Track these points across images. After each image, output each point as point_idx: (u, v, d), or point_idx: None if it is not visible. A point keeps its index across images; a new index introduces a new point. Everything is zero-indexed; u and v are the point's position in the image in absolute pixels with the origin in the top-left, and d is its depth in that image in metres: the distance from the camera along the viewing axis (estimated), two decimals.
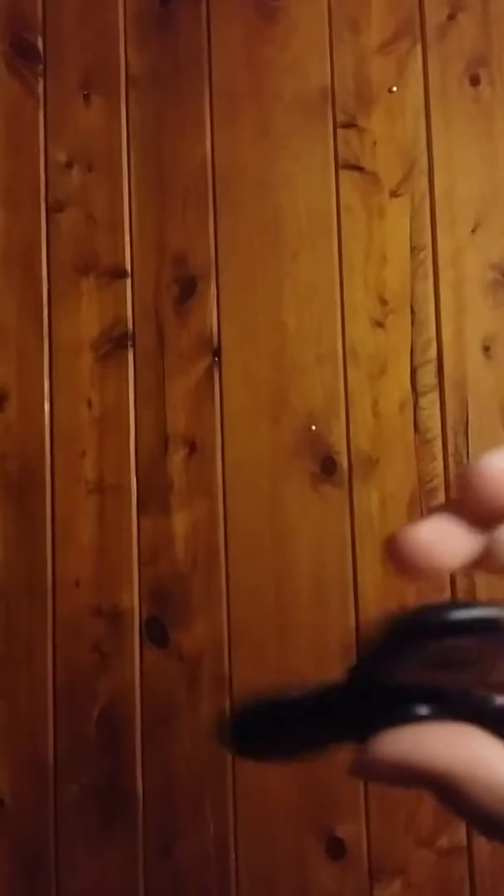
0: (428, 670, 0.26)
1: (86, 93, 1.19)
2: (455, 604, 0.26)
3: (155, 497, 1.11)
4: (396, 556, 0.26)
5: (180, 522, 1.10)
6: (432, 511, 0.27)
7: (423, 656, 0.26)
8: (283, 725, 0.29)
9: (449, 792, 0.25)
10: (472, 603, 0.26)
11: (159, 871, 1.07)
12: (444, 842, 1.03)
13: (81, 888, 1.09)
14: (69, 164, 1.18)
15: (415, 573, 0.26)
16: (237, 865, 1.06)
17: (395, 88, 1.12)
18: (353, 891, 1.03)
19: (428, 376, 1.08)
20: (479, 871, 1.02)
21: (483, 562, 0.27)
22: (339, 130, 1.13)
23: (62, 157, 1.18)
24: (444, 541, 0.26)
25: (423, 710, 0.26)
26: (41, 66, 1.21)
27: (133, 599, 1.10)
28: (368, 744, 0.26)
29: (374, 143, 1.11)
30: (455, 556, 0.26)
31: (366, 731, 0.26)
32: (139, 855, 1.08)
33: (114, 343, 1.14)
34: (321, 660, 1.06)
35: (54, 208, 1.18)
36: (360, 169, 1.11)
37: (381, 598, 1.06)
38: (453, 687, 0.27)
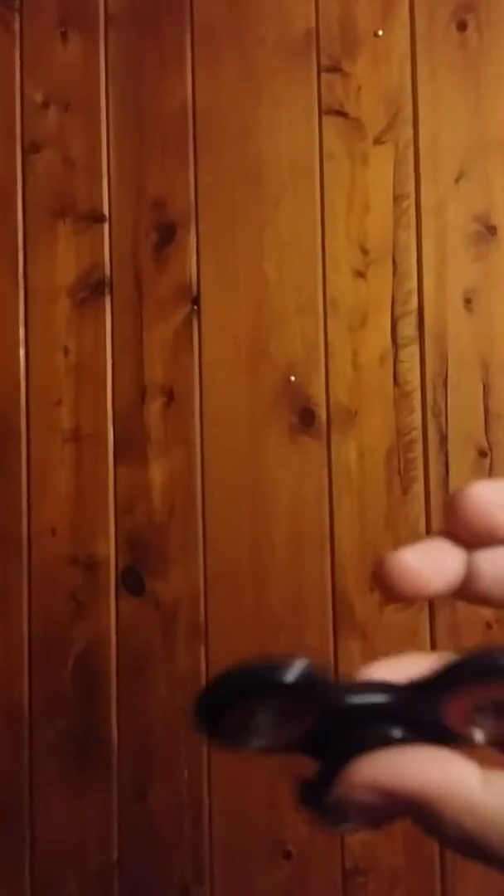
0: (480, 717, 0.26)
1: (63, 30, 1.16)
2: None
3: (132, 446, 1.10)
4: (384, 582, 0.27)
5: (157, 472, 1.10)
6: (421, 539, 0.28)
7: (478, 701, 0.25)
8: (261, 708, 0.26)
9: (426, 814, 0.25)
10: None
11: (133, 817, 1.08)
12: None
13: (56, 833, 1.10)
14: (46, 104, 1.15)
15: (403, 598, 0.27)
16: (211, 811, 1.07)
17: (380, 32, 1.10)
18: (325, 835, 1.05)
19: (408, 328, 1.07)
20: None
21: (463, 589, 0.27)
22: (323, 75, 1.10)
23: (38, 97, 1.15)
24: (431, 565, 0.27)
25: (398, 732, 0.26)
26: (18, 2, 1.17)
27: (109, 548, 1.10)
28: (342, 773, 0.25)
29: (359, 88, 1.09)
30: (441, 580, 0.27)
31: (336, 752, 0.26)
32: (113, 800, 1.09)
33: (91, 289, 1.12)
34: (297, 610, 1.06)
35: (30, 149, 1.15)
36: (343, 115, 1.09)
37: (357, 548, 1.06)
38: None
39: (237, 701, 0.26)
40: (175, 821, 1.07)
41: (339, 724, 0.26)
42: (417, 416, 1.06)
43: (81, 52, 1.15)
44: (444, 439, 1.06)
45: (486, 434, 1.05)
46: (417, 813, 0.25)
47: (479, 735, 0.26)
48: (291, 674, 0.25)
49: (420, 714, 0.26)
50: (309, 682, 0.26)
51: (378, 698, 0.26)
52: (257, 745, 0.27)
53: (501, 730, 0.26)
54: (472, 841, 0.24)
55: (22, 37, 1.17)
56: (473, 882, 1.02)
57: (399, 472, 1.06)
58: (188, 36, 1.13)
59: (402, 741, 0.26)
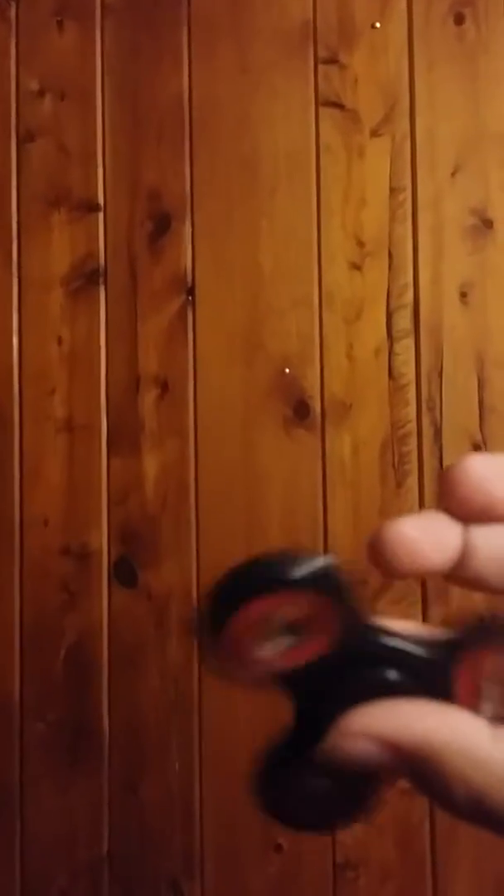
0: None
1: (59, 19, 1.15)
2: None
3: (125, 437, 1.10)
4: (381, 554, 0.25)
5: (151, 463, 1.09)
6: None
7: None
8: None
9: (429, 768, 0.24)
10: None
11: (124, 809, 1.08)
12: (404, 782, 1.04)
13: (46, 825, 1.09)
14: (41, 93, 1.14)
15: (400, 573, 0.25)
16: (202, 803, 1.07)
17: (378, 25, 1.09)
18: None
19: (403, 321, 1.07)
20: (438, 812, 1.04)
21: (457, 567, 0.26)
22: (320, 67, 1.10)
23: (34, 86, 1.14)
24: (430, 538, 0.25)
25: (393, 674, 0.25)
26: None
27: (102, 539, 1.09)
28: (341, 721, 0.25)
29: (356, 80, 1.09)
30: (440, 554, 0.25)
31: (337, 704, 0.25)
32: (104, 792, 1.08)
33: (85, 279, 1.12)
34: None
35: (25, 138, 1.14)
36: (340, 107, 1.09)
37: (350, 542, 1.06)
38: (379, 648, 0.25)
39: (239, 599, 0.23)
40: (166, 814, 1.07)
41: (341, 655, 0.25)
42: (412, 409, 1.06)
43: (77, 40, 1.15)
44: (438, 433, 1.05)
45: (481, 428, 1.05)
46: (419, 767, 0.24)
47: (485, 708, 0.25)
48: (304, 569, 0.23)
49: (430, 672, 0.25)
50: (325, 583, 0.23)
51: (398, 642, 0.25)
52: (262, 663, 0.25)
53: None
54: (476, 797, 0.24)
55: (18, 25, 1.16)
56: (464, 876, 1.02)
57: (393, 465, 1.06)
58: (185, 26, 1.13)
59: (400, 686, 0.25)
